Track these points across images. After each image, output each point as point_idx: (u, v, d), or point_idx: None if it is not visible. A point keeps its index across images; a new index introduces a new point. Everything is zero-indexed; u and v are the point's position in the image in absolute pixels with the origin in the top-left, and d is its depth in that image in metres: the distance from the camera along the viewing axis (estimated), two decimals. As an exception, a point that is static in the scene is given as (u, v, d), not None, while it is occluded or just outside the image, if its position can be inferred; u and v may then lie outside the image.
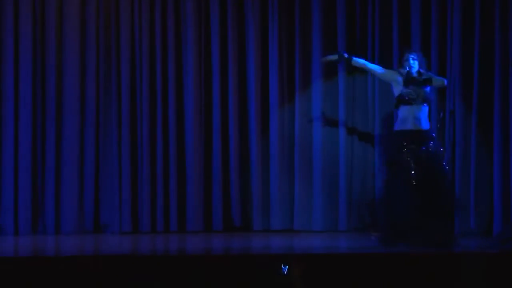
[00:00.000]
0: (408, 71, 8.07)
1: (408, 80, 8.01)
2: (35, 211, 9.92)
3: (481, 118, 9.27)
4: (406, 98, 7.93)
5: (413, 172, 7.73)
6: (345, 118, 9.96)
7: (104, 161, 10.08)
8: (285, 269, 6.43)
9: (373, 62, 9.50)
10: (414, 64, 8.08)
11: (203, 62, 10.17)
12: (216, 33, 10.13)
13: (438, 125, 9.47)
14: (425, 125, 8.01)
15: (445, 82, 8.35)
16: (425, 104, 8.00)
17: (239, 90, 10.17)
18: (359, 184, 9.92)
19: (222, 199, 10.08)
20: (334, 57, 8.74)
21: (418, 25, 9.71)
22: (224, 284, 6.52)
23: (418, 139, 7.91)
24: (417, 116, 7.94)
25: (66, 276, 6.45)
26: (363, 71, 9.02)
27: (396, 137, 8.06)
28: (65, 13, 10.06)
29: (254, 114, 10.11)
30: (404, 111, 8.00)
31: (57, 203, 9.94)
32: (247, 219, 10.11)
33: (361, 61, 8.63)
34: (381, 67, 8.64)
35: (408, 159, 7.81)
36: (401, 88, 8.03)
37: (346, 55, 8.66)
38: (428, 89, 8.07)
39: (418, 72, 8.10)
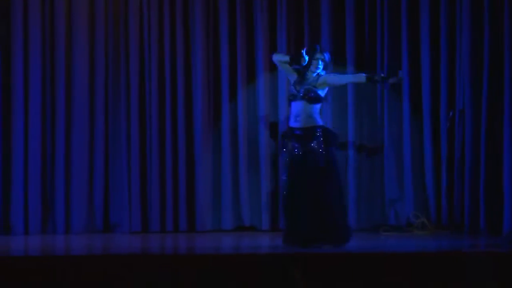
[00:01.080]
0: (302, 69, 7.88)
1: (298, 74, 7.89)
2: (45, 211, 9.95)
3: (490, 116, 9.23)
4: (289, 96, 7.89)
5: (296, 170, 7.69)
6: (354, 119, 9.98)
7: (114, 160, 10.09)
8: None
9: (382, 64, 9.56)
10: (318, 65, 7.88)
11: (211, 60, 10.17)
12: (225, 30, 10.14)
13: (448, 124, 9.46)
14: (306, 122, 7.76)
15: (359, 78, 8.10)
16: (306, 101, 7.74)
17: (248, 88, 10.18)
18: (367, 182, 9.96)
19: (231, 198, 10.09)
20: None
21: (427, 24, 9.72)
22: (234, 283, 6.52)
23: (297, 136, 7.75)
24: (297, 114, 7.77)
25: (75, 276, 6.46)
26: None
27: (283, 133, 8.09)
28: (73, 11, 10.09)
29: (264, 113, 10.12)
30: (291, 108, 7.86)
31: (67, 203, 9.97)
32: (256, 219, 10.12)
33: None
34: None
35: (293, 157, 7.75)
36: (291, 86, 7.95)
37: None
38: (315, 87, 7.83)
39: (318, 74, 7.89)
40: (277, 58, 8.15)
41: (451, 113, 9.39)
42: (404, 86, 9.78)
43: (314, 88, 7.77)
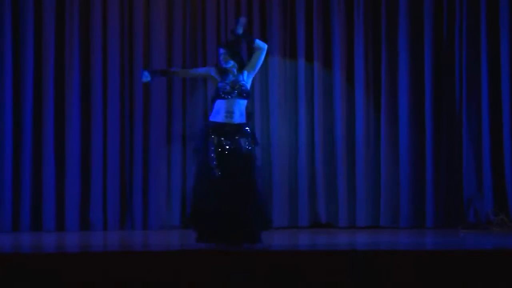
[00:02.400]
0: (218, 66, 7.70)
1: (222, 74, 7.65)
2: (123, 207, 10.08)
3: None
4: (221, 93, 7.57)
5: (214, 166, 7.46)
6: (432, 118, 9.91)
7: (191, 158, 10.17)
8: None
9: (460, 64, 9.46)
10: (224, 58, 7.64)
11: (288, 58, 10.20)
12: (302, 32, 10.17)
13: None
14: (238, 119, 7.56)
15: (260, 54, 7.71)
16: (241, 98, 7.58)
17: (324, 87, 10.16)
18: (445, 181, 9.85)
19: (308, 195, 10.07)
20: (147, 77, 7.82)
21: (506, 26, 9.59)
22: (310, 280, 6.50)
23: (227, 132, 7.53)
24: (230, 110, 7.54)
25: (153, 271, 6.52)
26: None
27: (205, 128, 7.68)
28: (152, 10, 10.20)
29: (340, 112, 10.09)
30: (218, 104, 7.59)
31: (145, 199, 10.09)
32: (333, 215, 10.09)
33: (176, 75, 8.25)
34: (197, 74, 8.32)
35: (212, 153, 7.51)
36: (218, 83, 7.65)
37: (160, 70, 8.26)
38: (244, 82, 7.62)
39: (237, 67, 7.64)
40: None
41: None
42: (482, 84, 9.69)
43: (246, 84, 7.62)
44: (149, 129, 10.15)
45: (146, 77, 7.66)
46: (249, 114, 7.68)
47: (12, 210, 9.90)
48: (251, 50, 7.73)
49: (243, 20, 7.67)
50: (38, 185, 9.96)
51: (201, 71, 8.03)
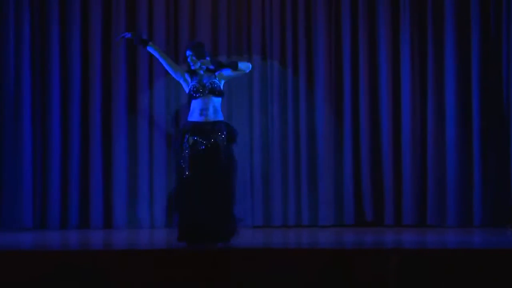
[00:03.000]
0: (189, 69, 7.73)
1: (192, 75, 7.70)
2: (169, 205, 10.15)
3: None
4: (192, 92, 7.60)
5: (198, 165, 7.50)
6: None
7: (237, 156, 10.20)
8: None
9: (508, 63, 9.37)
10: (191, 59, 7.68)
11: (333, 57, 10.17)
12: (348, 32, 10.14)
13: None
14: (213, 116, 7.58)
15: (242, 66, 7.73)
16: (213, 96, 7.59)
17: (370, 87, 10.15)
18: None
19: (353, 193, 10.05)
20: (129, 35, 7.88)
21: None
22: (355, 277, 6.48)
23: (203, 131, 7.55)
24: (204, 108, 7.56)
25: (198, 268, 6.55)
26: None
27: (182, 128, 7.73)
28: (197, 8, 10.24)
29: (386, 111, 10.07)
30: (192, 104, 7.63)
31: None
32: (379, 214, 10.05)
33: (156, 52, 7.89)
34: (173, 68, 7.98)
35: (187, 151, 7.54)
36: (189, 84, 7.70)
37: (143, 38, 7.95)
38: (216, 80, 7.64)
39: (207, 67, 7.69)
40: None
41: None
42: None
43: (218, 82, 7.65)
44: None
45: (127, 35, 7.74)
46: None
47: (60, 208, 10.01)
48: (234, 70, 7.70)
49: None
50: (85, 182, 10.06)
51: (177, 70, 7.81)
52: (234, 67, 7.67)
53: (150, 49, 7.82)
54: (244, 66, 7.73)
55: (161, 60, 7.81)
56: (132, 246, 8.05)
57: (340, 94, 10.16)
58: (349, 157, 10.08)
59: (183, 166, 7.49)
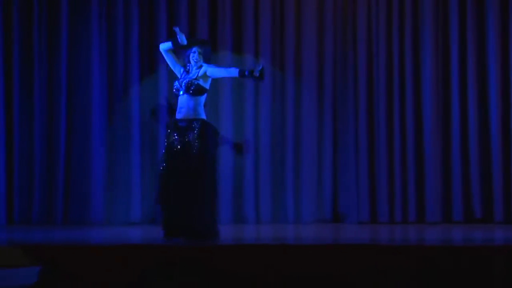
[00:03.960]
0: (185, 67, 7.83)
1: (184, 70, 7.82)
2: (275, 201, 10.20)
3: None
4: (174, 90, 7.76)
5: (172, 161, 7.60)
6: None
7: (342, 152, 10.20)
8: None
9: None
10: (198, 56, 7.75)
11: (441, 58, 10.10)
12: (456, 30, 10.05)
13: None
14: (187, 113, 7.64)
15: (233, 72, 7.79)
16: (188, 94, 7.64)
17: (479, 86, 10.01)
18: None
19: (462, 190, 9.92)
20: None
21: None
22: (464, 276, 6.40)
23: (179, 128, 7.64)
24: (181, 106, 7.66)
25: (304, 264, 6.58)
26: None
27: (167, 124, 7.99)
28: (303, 7, 10.26)
29: (495, 109, 9.90)
30: (178, 101, 7.73)
31: (297, 193, 10.18)
32: (488, 210, 9.89)
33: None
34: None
35: (170, 148, 7.65)
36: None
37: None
38: (195, 80, 7.68)
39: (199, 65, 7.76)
40: (162, 47, 7.95)
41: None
42: None
43: (195, 81, 7.69)
44: (300, 125, 10.21)
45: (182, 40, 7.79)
46: None
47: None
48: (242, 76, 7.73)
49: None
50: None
51: (176, 63, 7.94)
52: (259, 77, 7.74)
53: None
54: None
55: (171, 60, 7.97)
56: (239, 241, 8.13)
57: (447, 95, 10.06)
58: (457, 153, 9.93)
59: (161, 161, 7.73)
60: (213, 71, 7.78)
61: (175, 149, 7.65)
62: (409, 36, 10.10)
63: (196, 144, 7.61)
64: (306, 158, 10.16)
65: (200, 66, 7.77)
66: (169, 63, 7.98)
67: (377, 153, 10.08)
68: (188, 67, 7.81)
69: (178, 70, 7.91)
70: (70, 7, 10.07)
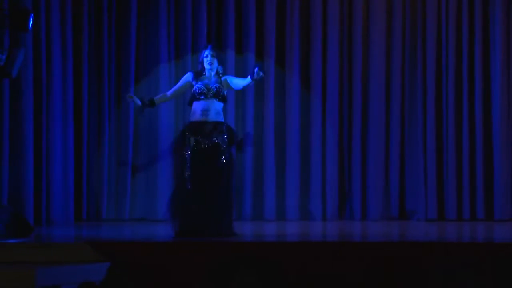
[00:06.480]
0: (195, 70, 7.88)
1: (198, 77, 7.75)
2: (342, 198, 10.19)
3: None
4: (196, 94, 7.66)
5: (199, 164, 7.56)
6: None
7: (409, 150, 10.18)
8: None
9: None
10: (211, 59, 7.76)
11: (510, 60, 10.03)
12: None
13: None
14: (214, 117, 7.62)
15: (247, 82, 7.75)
16: (217, 99, 7.65)
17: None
18: None
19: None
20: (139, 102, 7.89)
21: None
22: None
23: (203, 130, 7.60)
24: (206, 109, 7.62)
25: (371, 261, 6.55)
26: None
27: (183, 128, 7.85)
28: (371, 12, 10.24)
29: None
30: (194, 105, 7.67)
31: (364, 190, 10.16)
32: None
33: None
34: (182, 90, 8.03)
35: (188, 150, 7.61)
36: (193, 86, 7.73)
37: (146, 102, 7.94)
38: (219, 85, 7.70)
39: (217, 71, 7.78)
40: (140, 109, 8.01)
41: None
42: None
43: (222, 89, 7.72)
44: (367, 122, 10.20)
45: (137, 101, 7.86)
46: None
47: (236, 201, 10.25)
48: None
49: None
50: (259, 175, 10.24)
51: (181, 84, 7.98)
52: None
53: (154, 104, 8.01)
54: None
55: (172, 97, 8.07)
56: (305, 237, 8.14)
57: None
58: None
59: (184, 165, 7.65)
60: (236, 82, 7.88)
61: (201, 152, 7.66)
62: (478, 36, 9.99)
63: (224, 147, 7.66)
64: (373, 156, 10.13)
65: (219, 75, 7.82)
66: (181, 93, 8.11)
67: (445, 150, 10.00)
68: (204, 72, 7.85)
69: (189, 85, 7.88)
70: (139, 11, 10.17)
